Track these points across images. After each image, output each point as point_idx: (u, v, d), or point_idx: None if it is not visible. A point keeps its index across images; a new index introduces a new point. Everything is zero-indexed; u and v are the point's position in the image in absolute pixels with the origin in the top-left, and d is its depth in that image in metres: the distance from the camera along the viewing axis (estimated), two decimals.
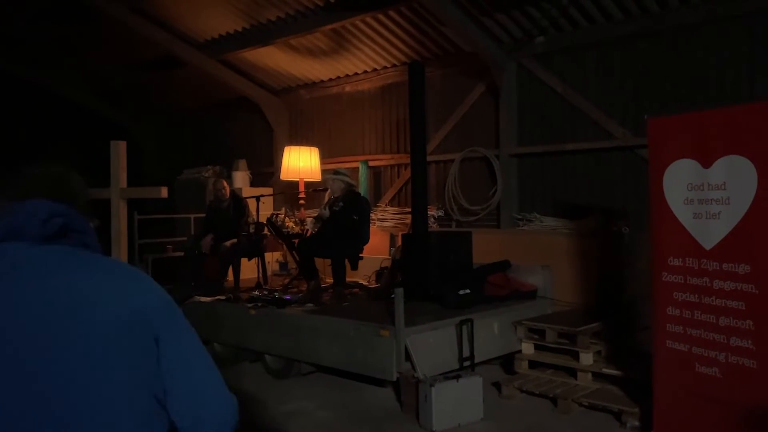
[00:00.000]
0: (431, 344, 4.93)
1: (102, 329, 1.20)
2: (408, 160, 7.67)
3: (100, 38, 10.10)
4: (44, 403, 1.17)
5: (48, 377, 1.17)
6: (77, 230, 1.38)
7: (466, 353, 5.09)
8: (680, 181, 3.93)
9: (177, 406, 1.31)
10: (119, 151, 9.34)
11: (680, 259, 3.92)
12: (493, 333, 5.46)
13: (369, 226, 6.85)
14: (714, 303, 3.75)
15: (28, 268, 1.26)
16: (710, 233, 3.78)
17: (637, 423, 4.37)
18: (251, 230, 7.25)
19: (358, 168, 8.80)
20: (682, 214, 3.93)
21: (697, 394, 3.85)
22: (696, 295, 3.84)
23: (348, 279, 6.76)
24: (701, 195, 3.83)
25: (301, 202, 8.52)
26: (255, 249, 7.29)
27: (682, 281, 3.91)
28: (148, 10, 8.99)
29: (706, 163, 3.80)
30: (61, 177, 1.50)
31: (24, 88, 12.18)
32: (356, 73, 9.13)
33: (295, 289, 6.78)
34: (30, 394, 1.16)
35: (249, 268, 7.53)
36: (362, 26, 7.96)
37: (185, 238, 8.07)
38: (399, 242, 7.19)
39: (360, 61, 8.82)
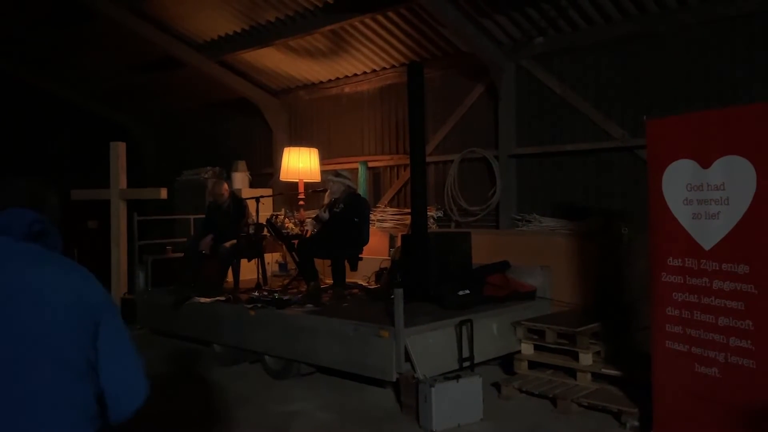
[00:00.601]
0: (431, 345, 4.93)
1: (60, 307, 1.62)
2: (407, 161, 7.67)
3: (99, 40, 10.11)
4: (5, 355, 1.56)
5: (20, 336, 1.57)
6: (49, 235, 1.76)
7: (465, 354, 5.10)
8: (679, 182, 3.94)
9: (106, 377, 1.69)
10: (119, 152, 9.41)
11: (679, 260, 3.93)
12: (492, 333, 5.47)
13: (369, 227, 6.85)
14: (713, 303, 3.76)
15: (13, 258, 1.66)
16: (709, 233, 3.79)
17: (636, 423, 4.37)
18: (251, 231, 7.25)
19: (357, 169, 8.81)
20: (681, 214, 3.93)
21: (696, 394, 3.86)
22: (695, 296, 3.85)
23: (347, 280, 6.76)
24: (700, 195, 3.83)
25: (301, 203, 8.53)
26: (254, 250, 7.29)
27: (682, 281, 3.92)
28: (147, 11, 8.99)
29: (705, 164, 3.81)
30: (38, 190, 1.84)
31: (24, 90, 12.19)
32: (355, 74, 9.14)
33: (295, 290, 6.78)
34: (18, 361, 1.56)
35: (248, 269, 7.54)
36: (361, 27, 7.97)
37: (185, 239, 8.07)
38: (398, 243, 7.19)
39: (359, 62, 8.83)
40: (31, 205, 1.76)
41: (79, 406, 1.62)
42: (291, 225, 8.07)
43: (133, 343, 1.78)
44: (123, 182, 8.99)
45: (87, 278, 1.72)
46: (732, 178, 3.69)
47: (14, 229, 1.70)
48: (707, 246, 3.80)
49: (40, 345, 1.58)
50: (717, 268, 3.74)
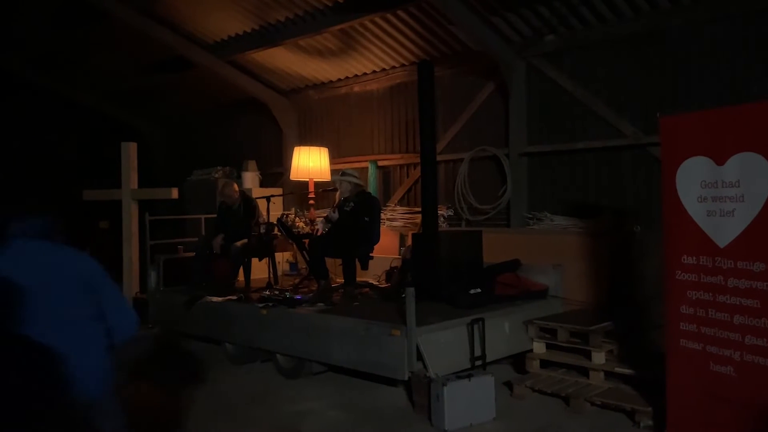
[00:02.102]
0: (443, 344, 4.93)
1: (72, 278, 2.58)
2: (417, 160, 7.67)
3: (110, 41, 10.17)
4: (51, 310, 2.48)
5: (50, 299, 2.48)
6: (54, 232, 2.69)
7: (477, 353, 5.09)
8: (693, 179, 3.91)
9: (109, 317, 2.66)
10: (130, 152, 9.44)
11: (694, 258, 3.90)
12: (504, 332, 5.45)
13: (379, 226, 6.84)
14: (728, 301, 3.72)
15: (31, 250, 2.58)
16: (724, 231, 3.75)
17: (650, 422, 4.34)
18: (261, 230, 7.26)
19: (367, 168, 8.81)
20: (696, 211, 3.90)
21: (711, 393, 3.83)
22: (710, 294, 3.82)
23: (358, 279, 6.76)
24: (715, 193, 3.80)
25: (311, 202, 8.53)
26: (265, 249, 7.30)
27: (696, 279, 3.88)
28: (157, 12, 9.03)
29: (720, 161, 3.78)
30: (44, 207, 2.77)
31: (34, 91, 12.28)
32: (365, 74, 9.13)
33: (306, 289, 6.79)
34: (44, 306, 2.45)
35: (259, 269, 7.56)
36: (371, 26, 7.97)
37: (196, 239, 8.10)
38: (409, 242, 7.18)
39: (369, 61, 8.82)
40: (35, 214, 2.69)
41: (96, 333, 2.63)
42: (301, 224, 8.08)
43: (122, 293, 2.80)
44: (134, 182, 9.04)
45: (86, 258, 2.70)
46: (747, 175, 3.65)
47: (30, 232, 2.63)
48: (722, 244, 3.77)
49: (67, 299, 2.54)
50: (732, 266, 3.71)
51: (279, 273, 7.69)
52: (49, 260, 2.55)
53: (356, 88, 9.37)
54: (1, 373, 2.21)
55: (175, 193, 8.87)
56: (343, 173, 6.81)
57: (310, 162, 8.55)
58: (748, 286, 3.63)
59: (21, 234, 2.57)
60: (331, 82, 9.65)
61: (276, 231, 7.33)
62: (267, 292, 6.55)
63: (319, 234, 7.08)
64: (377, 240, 6.71)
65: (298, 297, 6.15)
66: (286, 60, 9.34)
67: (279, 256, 8.00)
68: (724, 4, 5.88)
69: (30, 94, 12.25)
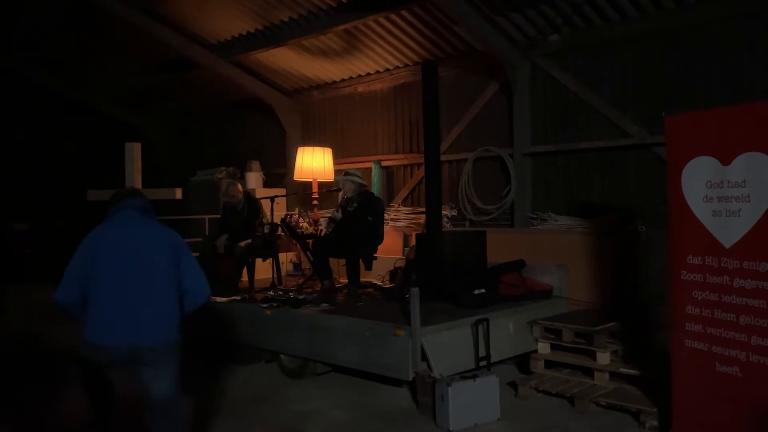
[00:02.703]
0: (447, 344, 4.92)
1: (163, 246, 3.24)
2: (421, 160, 7.67)
3: (113, 41, 10.19)
4: (146, 273, 3.16)
5: (147, 263, 3.17)
6: (151, 211, 3.42)
7: (482, 353, 5.08)
8: (699, 179, 3.90)
9: (186, 283, 3.27)
10: (134, 152, 9.46)
11: (699, 258, 3.89)
12: (508, 333, 5.44)
13: (383, 226, 6.84)
14: (734, 301, 3.71)
15: (137, 222, 3.30)
16: (730, 231, 3.74)
17: (655, 423, 4.33)
18: (265, 231, 7.27)
19: (371, 168, 8.81)
20: (701, 211, 3.89)
21: (716, 394, 3.81)
22: (716, 294, 3.81)
23: (362, 279, 6.76)
24: (721, 192, 3.79)
25: (315, 202, 8.54)
26: (269, 249, 7.31)
27: (702, 280, 3.87)
28: (161, 12, 9.05)
29: (726, 161, 3.77)
30: (140, 192, 3.63)
31: (39, 91, 12.31)
32: (369, 74, 9.13)
33: (310, 289, 6.79)
34: (142, 269, 3.16)
35: (263, 269, 7.56)
36: (375, 26, 7.97)
37: (200, 239, 8.11)
38: (413, 242, 7.18)
39: (372, 62, 8.82)
40: (140, 197, 3.47)
41: (174, 293, 3.24)
42: (305, 224, 8.08)
43: (198, 264, 3.36)
44: (138, 183, 9.02)
45: (172, 232, 3.37)
46: (753, 175, 3.64)
47: (133, 208, 3.36)
48: (728, 244, 3.76)
49: (155, 260, 3.20)
50: (738, 266, 3.70)
51: (283, 273, 7.70)
52: (147, 228, 3.31)
53: (360, 89, 9.37)
54: None
55: (178, 193, 8.85)
56: (347, 173, 6.80)
57: (314, 162, 8.55)
58: (754, 287, 3.62)
59: (126, 208, 3.33)
60: (334, 82, 9.65)
61: (280, 231, 7.33)
62: (271, 293, 6.55)
63: (322, 234, 7.08)
64: (381, 240, 6.71)
65: (302, 297, 6.16)
66: (289, 60, 9.35)
67: (283, 257, 8.01)
68: (729, 3, 5.86)
69: (34, 94, 12.28)
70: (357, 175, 6.77)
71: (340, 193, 6.98)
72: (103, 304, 3.07)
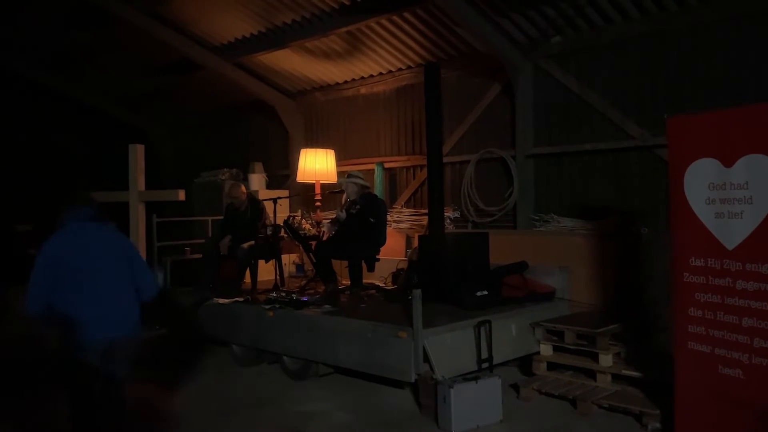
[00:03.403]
0: (449, 346, 4.92)
1: (117, 250, 3.60)
2: (423, 162, 7.66)
3: (117, 43, 10.22)
4: (108, 275, 3.52)
5: (102, 268, 3.49)
6: (102, 217, 3.61)
7: (484, 355, 5.07)
8: (701, 181, 3.89)
9: (139, 281, 3.66)
10: (137, 154, 9.48)
11: (702, 260, 3.88)
12: (511, 334, 5.44)
13: (386, 228, 6.84)
14: (737, 303, 3.71)
15: (90, 230, 3.57)
16: (733, 233, 3.74)
17: (658, 425, 4.33)
18: (268, 232, 7.27)
19: (373, 170, 8.81)
20: (704, 213, 3.88)
21: (719, 396, 3.81)
22: (718, 296, 3.80)
23: (364, 281, 6.76)
24: (723, 194, 3.78)
25: (318, 204, 8.55)
26: (272, 251, 7.32)
27: (704, 282, 3.87)
28: (164, 14, 9.07)
29: (728, 163, 3.76)
30: (90, 198, 3.74)
31: (43, 93, 12.35)
32: (371, 75, 9.14)
33: (312, 291, 6.79)
34: (104, 272, 3.51)
35: (266, 270, 7.57)
36: (377, 28, 7.98)
37: (203, 241, 8.12)
38: (415, 244, 7.18)
39: (375, 63, 8.83)
40: (88, 204, 3.65)
41: (132, 291, 3.62)
42: (308, 226, 8.09)
43: (147, 264, 3.84)
44: (141, 184, 9.04)
45: (122, 236, 3.77)
46: (755, 177, 3.64)
47: (83, 215, 3.58)
48: (730, 246, 3.75)
49: (114, 264, 3.54)
50: (740, 268, 3.69)
51: (285, 275, 7.70)
52: (101, 234, 3.56)
53: (363, 90, 9.38)
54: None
55: (182, 195, 8.85)
56: (349, 175, 6.81)
57: (317, 164, 8.56)
58: (756, 288, 3.61)
59: (78, 217, 3.52)
60: (337, 84, 9.66)
61: (282, 233, 7.34)
62: (274, 294, 6.56)
63: (325, 236, 7.09)
64: (383, 242, 6.70)
65: (305, 299, 6.16)
66: (292, 62, 9.36)
67: (285, 258, 8.01)
68: (731, 4, 5.86)
69: (38, 95, 12.32)
70: (359, 177, 6.78)
71: (344, 196, 6.99)
72: (76, 306, 3.40)
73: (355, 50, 8.63)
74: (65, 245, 3.48)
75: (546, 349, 5.44)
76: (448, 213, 7.83)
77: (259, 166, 9.97)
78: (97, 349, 3.39)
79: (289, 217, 7.81)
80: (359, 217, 6.53)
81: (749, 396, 3.66)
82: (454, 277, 5.91)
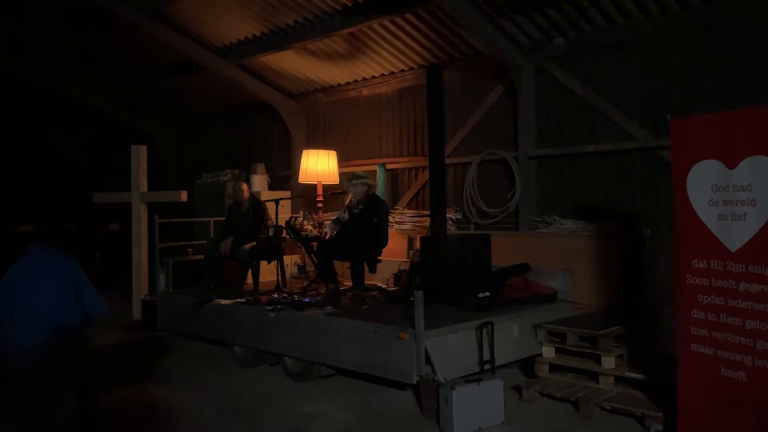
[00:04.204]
0: (451, 347, 4.91)
1: (62, 278, 4.12)
2: (425, 163, 7.67)
3: (120, 44, 10.24)
4: (52, 293, 4.07)
5: (47, 290, 4.06)
6: (57, 250, 4.26)
7: (486, 356, 5.06)
8: (704, 183, 3.88)
9: (86, 305, 4.15)
10: (140, 155, 9.49)
11: (705, 262, 3.87)
12: (513, 336, 5.42)
13: (387, 229, 6.84)
14: (740, 306, 3.69)
15: (45, 257, 4.21)
16: (736, 235, 3.73)
17: (660, 427, 4.31)
18: (270, 233, 7.27)
19: (375, 171, 8.81)
20: (707, 215, 3.87)
21: (722, 399, 3.79)
22: (721, 298, 3.79)
23: (366, 282, 6.75)
24: (726, 196, 3.78)
25: (319, 205, 8.55)
26: (274, 252, 7.31)
27: (707, 284, 3.86)
28: (167, 16, 9.09)
29: (731, 164, 3.75)
30: (48, 237, 4.61)
31: (45, 95, 12.38)
32: (374, 77, 9.15)
33: (314, 292, 6.79)
34: (49, 290, 4.07)
35: (268, 271, 7.56)
36: (380, 30, 7.98)
37: (205, 242, 8.13)
38: (417, 245, 7.17)
39: (377, 65, 8.84)
40: (45, 242, 4.27)
41: (73, 309, 4.09)
42: (310, 227, 8.09)
43: (95, 288, 4.18)
44: (144, 185, 9.09)
45: (71, 265, 4.18)
46: (759, 179, 3.63)
47: (44, 248, 4.23)
48: (733, 248, 3.74)
49: (62, 289, 4.05)
50: (743, 270, 3.68)
51: (287, 276, 7.70)
52: (53, 261, 4.17)
53: (365, 92, 9.38)
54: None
55: (184, 196, 8.90)
56: (356, 176, 6.81)
57: (319, 165, 8.56)
58: (759, 290, 3.60)
59: (37, 248, 4.21)
60: (339, 85, 9.67)
61: (284, 234, 7.34)
62: (275, 295, 6.55)
63: (327, 237, 7.09)
64: (385, 243, 6.70)
65: (307, 300, 6.16)
66: (295, 63, 9.37)
67: (287, 259, 8.01)
68: (734, 6, 5.85)
69: (41, 96, 12.35)
70: (366, 178, 6.80)
71: (348, 197, 6.98)
72: (23, 315, 3.99)
73: (358, 51, 8.64)
74: (24, 267, 4.15)
75: (548, 351, 5.42)
76: (450, 214, 7.83)
77: (261, 167, 9.98)
78: (28, 348, 3.93)
79: (291, 218, 7.81)
80: (361, 218, 6.53)
81: (752, 398, 3.65)
82: (456, 279, 5.91)
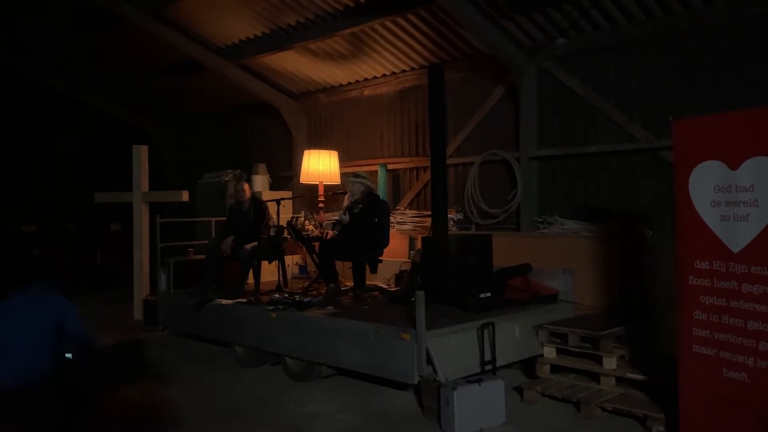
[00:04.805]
0: (452, 348, 4.90)
1: (49, 317, 3.95)
2: (427, 163, 7.66)
3: (121, 44, 10.25)
4: (25, 340, 3.85)
5: (25, 333, 3.85)
6: (43, 290, 4.07)
7: (487, 357, 5.05)
8: (707, 183, 3.87)
9: (70, 341, 3.95)
10: (141, 155, 9.49)
11: (707, 262, 3.86)
12: (514, 337, 5.42)
13: (389, 229, 6.84)
14: (742, 306, 3.69)
15: (25, 300, 3.99)
16: (738, 236, 3.72)
17: (662, 428, 4.30)
18: (271, 233, 7.27)
19: (377, 171, 8.81)
20: (709, 216, 3.87)
21: (724, 400, 3.79)
22: (723, 299, 3.78)
23: (367, 282, 6.75)
24: (728, 197, 3.77)
25: (321, 205, 8.55)
26: (275, 252, 7.31)
27: (709, 284, 3.85)
28: (169, 16, 9.09)
29: (734, 165, 3.75)
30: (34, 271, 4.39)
31: (45, 95, 12.39)
32: (375, 77, 9.15)
33: (315, 292, 6.79)
34: (24, 331, 3.87)
35: (269, 271, 7.57)
36: (381, 30, 7.98)
37: (206, 242, 8.13)
38: (418, 245, 7.17)
39: (379, 65, 8.84)
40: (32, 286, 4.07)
41: (47, 353, 3.88)
42: (311, 227, 8.09)
43: (82, 321, 4.03)
44: (145, 185, 9.09)
45: (60, 301, 4.04)
46: (761, 180, 3.62)
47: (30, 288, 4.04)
48: (736, 248, 3.74)
49: (38, 326, 3.89)
50: (746, 271, 3.68)
51: (288, 276, 7.70)
52: (35, 305, 3.96)
53: (366, 92, 9.38)
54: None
55: (185, 195, 8.90)
56: (356, 175, 6.82)
57: (320, 165, 8.56)
58: (762, 292, 3.60)
59: (24, 290, 4.04)
60: (341, 85, 9.67)
61: (286, 234, 7.34)
62: (276, 295, 6.56)
63: (328, 237, 7.09)
64: (386, 243, 6.70)
65: (308, 300, 6.15)
66: (296, 63, 9.37)
67: (288, 259, 8.02)
68: (736, 6, 5.84)
69: (42, 96, 12.36)
70: (366, 178, 6.79)
71: (346, 196, 6.98)
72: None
73: (359, 52, 8.63)
74: (8, 305, 4.06)
75: (549, 352, 5.42)
76: (452, 215, 7.82)
77: (262, 167, 9.99)
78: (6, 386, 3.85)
79: (292, 218, 7.82)
80: (362, 218, 6.53)
81: (754, 399, 3.64)
82: (457, 279, 5.91)
